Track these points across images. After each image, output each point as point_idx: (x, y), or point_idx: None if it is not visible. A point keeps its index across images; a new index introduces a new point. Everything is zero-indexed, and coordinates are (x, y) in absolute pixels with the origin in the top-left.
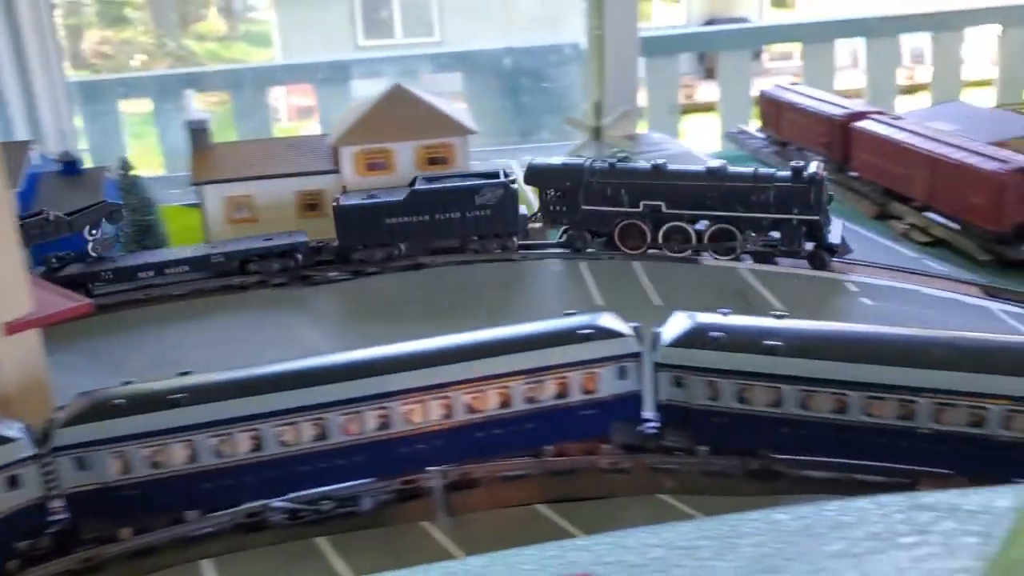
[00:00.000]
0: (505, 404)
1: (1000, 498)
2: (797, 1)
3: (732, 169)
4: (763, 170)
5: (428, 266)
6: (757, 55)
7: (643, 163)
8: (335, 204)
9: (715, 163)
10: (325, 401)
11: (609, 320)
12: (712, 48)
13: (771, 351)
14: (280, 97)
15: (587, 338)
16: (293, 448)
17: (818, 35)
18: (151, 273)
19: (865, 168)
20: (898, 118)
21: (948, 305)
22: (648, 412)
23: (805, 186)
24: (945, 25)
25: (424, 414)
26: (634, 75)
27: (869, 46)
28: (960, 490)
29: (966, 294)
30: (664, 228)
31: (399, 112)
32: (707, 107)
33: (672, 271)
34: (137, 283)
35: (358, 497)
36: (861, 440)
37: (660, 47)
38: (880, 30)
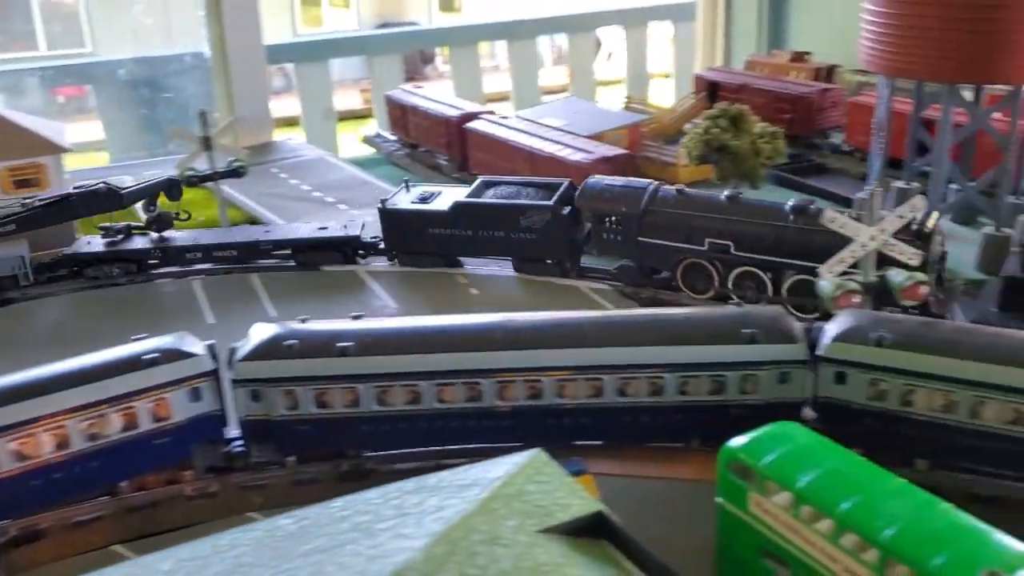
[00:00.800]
0: (63, 445)
1: (496, 468)
2: (464, 5)
3: (822, 209)
4: (860, 213)
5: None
6: (431, 59)
7: (718, 193)
8: (381, 205)
9: (800, 200)
10: None
11: (180, 341)
12: (359, 53)
13: (344, 352)
14: None
15: (153, 363)
16: None
17: (463, 38)
18: (199, 255)
19: (480, 165)
20: (505, 117)
21: (543, 287)
22: (233, 430)
23: (907, 240)
24: (578, 27)
25: None
26: (263, 82)
27: (511, 48)
28: (469, 465)
29: (559, 276)
30: (735, 272)
31: None
32: None
33: (292, 280)
34: (184, 264)
35: None
36: (439, 426)
37: (311, 52)
38: (520, 33)
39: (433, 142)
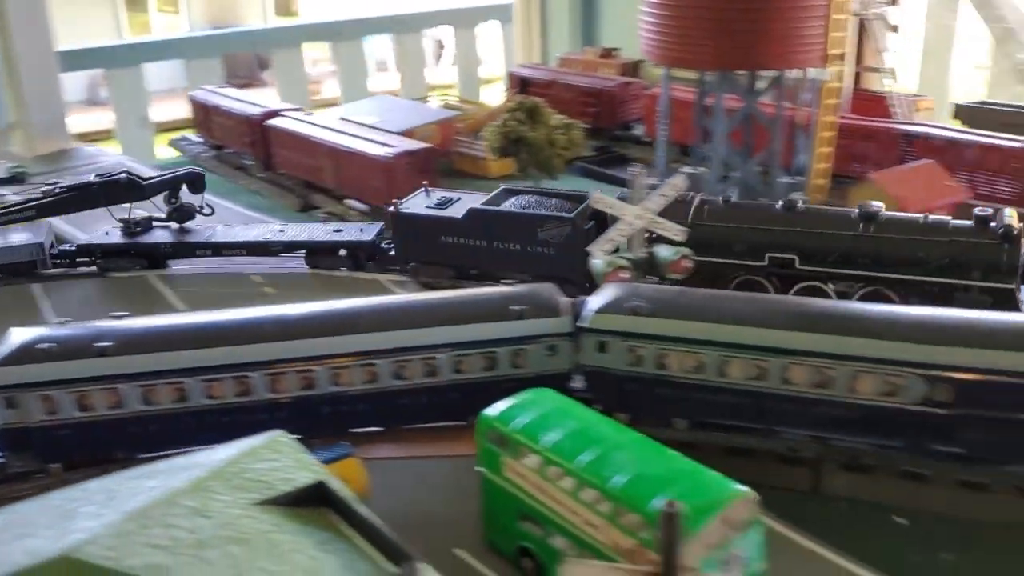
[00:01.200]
0: None
1: (225, 450)
2: (301, 9)
3: (894, 215)
4: (935, 217)
5: None
6: (267, 64)
7: (770, 202)
8: (394, 208)
9: (869, 206)
10: None
11: None
12: (176, 57)
13: (103, 352)
14: None
15: None
16: None
17: (284, 40)
18: (208, 252)
19: (286, 164)
20: (309, 113)
21: (346, 283)
22: None
23: (995, 243)
24: (405, 27)
25: None
26: (56, 89)
27: (335, 50)
28: (207, 449)
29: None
30: (796, 288)
31: None
32: None
33: (77, 286)
34: (194, 260)
35: None
36: (211, 423)
37: (122, 57)
38: (346, 33)
39: (237, 142)
